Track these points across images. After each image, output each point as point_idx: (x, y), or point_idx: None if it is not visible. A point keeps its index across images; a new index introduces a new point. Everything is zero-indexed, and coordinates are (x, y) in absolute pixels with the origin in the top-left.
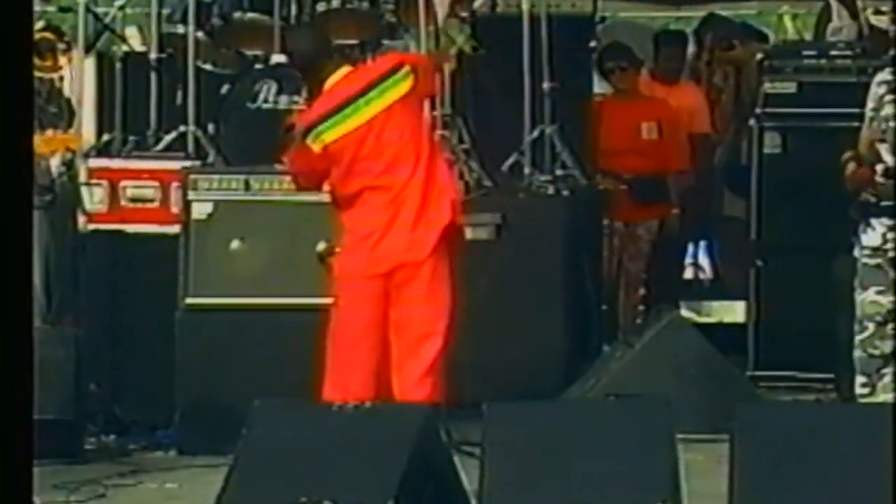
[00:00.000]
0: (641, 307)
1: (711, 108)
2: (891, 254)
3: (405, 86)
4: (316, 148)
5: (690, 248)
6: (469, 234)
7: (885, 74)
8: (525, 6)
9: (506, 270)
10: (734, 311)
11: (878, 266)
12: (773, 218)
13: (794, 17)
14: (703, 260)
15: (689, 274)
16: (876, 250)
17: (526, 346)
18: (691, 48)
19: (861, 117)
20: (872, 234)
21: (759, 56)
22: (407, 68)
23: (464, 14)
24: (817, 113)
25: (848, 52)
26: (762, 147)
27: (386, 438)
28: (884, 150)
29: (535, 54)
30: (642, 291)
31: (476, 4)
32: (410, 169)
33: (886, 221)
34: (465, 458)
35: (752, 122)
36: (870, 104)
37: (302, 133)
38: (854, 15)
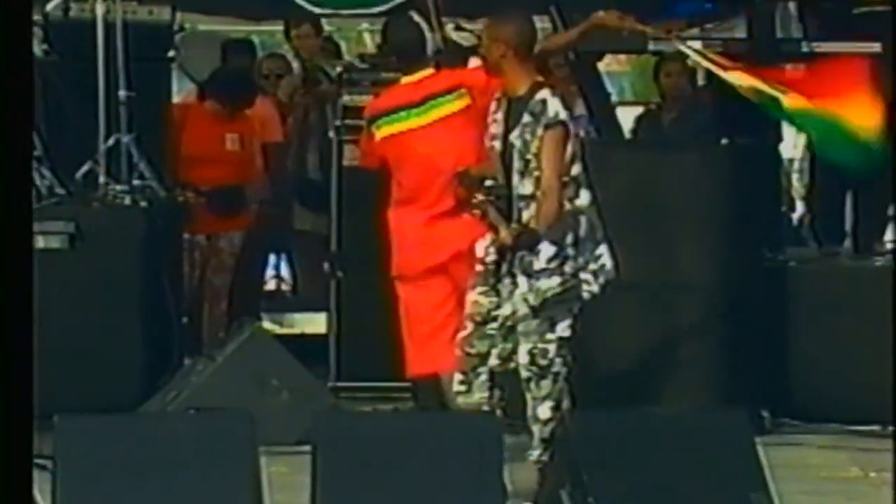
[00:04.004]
0: (226, 320)
1: (285, 120)
2: (490, 266)
3: (455, 105)
4: (377, 136)
5: (273, 259)
6: (40, 242)
7: (498, 93)
8: (99, 11)
9: (80, 281)
10: (316, 323)
11: (480, 272)
12: (352, 230)
13: (372, 33)
14: (285, 271)
15: (271, 286)
16: (479, 260)
17: (101, 359)
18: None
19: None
20: (480, 244)
21: (337, 69)
22: (462, 90)
23: (36, 17)
24: None
25: None
26: (341, 159)
27: None
28: (496, 168)
29: (111, 61)
30: (225, 304)
31: (48, 7)
32: (447, 178)
33: (490, 235)
34: (37, 472)
35: (331, 134)
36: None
37: (368, 119)
38: (434, 29)
